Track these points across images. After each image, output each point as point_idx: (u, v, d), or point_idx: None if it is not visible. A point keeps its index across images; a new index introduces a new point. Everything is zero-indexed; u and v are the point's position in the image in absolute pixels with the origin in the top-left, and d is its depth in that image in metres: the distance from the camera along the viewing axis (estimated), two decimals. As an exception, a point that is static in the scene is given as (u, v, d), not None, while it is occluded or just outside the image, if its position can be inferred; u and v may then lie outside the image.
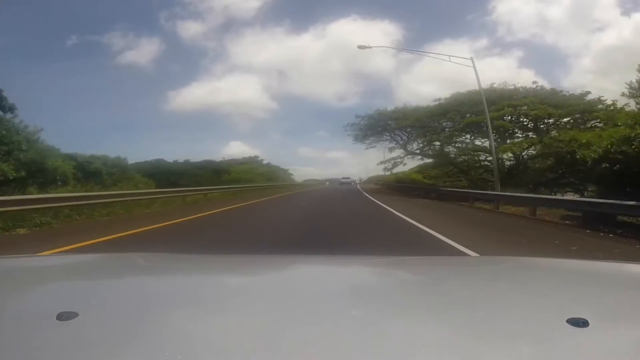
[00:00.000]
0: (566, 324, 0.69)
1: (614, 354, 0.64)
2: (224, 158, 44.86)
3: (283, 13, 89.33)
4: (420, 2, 78.25)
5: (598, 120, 20.01)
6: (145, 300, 0.93)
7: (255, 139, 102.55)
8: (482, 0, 75.89)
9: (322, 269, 1.50)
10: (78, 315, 0.71)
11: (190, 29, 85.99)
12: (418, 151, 28.35)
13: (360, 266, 1.57)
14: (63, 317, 0.70)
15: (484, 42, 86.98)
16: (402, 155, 29.55)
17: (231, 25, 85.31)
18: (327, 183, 70.10)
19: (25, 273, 1.27)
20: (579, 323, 0.68)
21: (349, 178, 69.07)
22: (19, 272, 1.29)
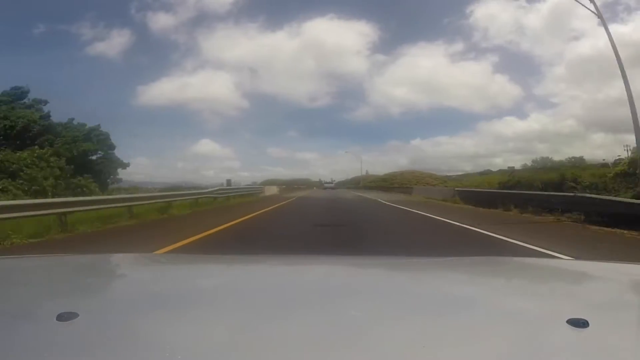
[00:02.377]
0: (566, 324, 0.69)
1: (614, 354, 0.64)
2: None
3: (258, 9, 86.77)
4: (398, 2, 77.13)
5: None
6: (145, 300, 0.93)
7: (225, 137, 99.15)
8: (460, 4, 75.41)
9: (322, 269, 1.50)
10: (78, 315, 0.71)
11: (161, 22, 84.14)
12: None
13: (361, 266, 1.57)
14: (63, 317, 0.69)
15: (459, 46, 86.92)
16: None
17: (203, 19, 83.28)
18: (276, 190, 37.05)
19: (25, 273, 1.27)
20: (579, 323, 0.68)
21: (331, 183, 64.76)
22: (19, 272, 1.29)
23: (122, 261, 1.56)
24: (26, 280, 1.16)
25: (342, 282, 1.23)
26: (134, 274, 1.38)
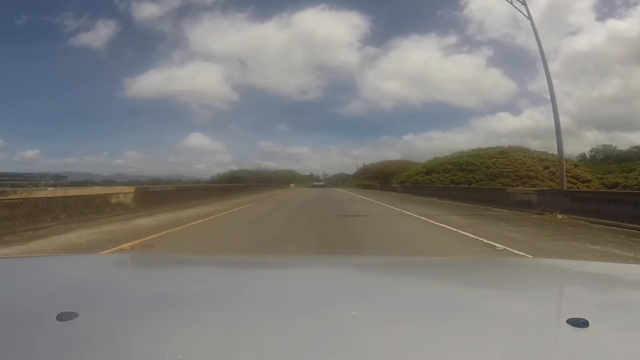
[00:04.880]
0: (566, 324, 0.69)
1: (614, 354, 0.64)
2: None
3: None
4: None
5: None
6: (145, 300, 0.93)
7: (216, 131, 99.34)
8: (455, -4, 74.75)
9: (322, 269, 1.50)
10: (78, 315, 0.71)
11: (146, 11, 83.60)
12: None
13: (360, 266, 1.57)
14: (63, 317, 0.70)
15: (452, 39, 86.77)
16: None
17: (189, 9, 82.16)
18: None
19: (25, 273, 1.27)
20: (579, 323, 0.68)
21: (321, 181, 64.96)
22: (19, 272, 1.29)
23: (122, 261, 1.57)
24: (26, 280, 1.16)
25: (342, 282, 1.23)
26: (134, 274, 1.38)
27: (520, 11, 13.40)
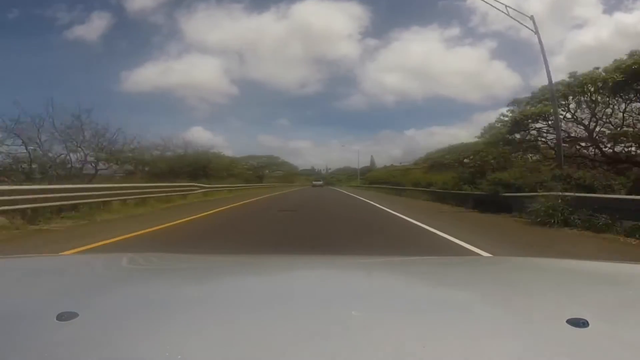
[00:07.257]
0: (566, 324, 0.69)
1: (614, 354, 0.64)
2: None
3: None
4: (391, -17, 74.79)
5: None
6: (146, 300, 0.93)
7: (216, 125, 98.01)
8: (456, -15, 73.52)
9: (322, 269, 1.50)
10: (78, 315, 0.71)
11: (138, 2, 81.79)
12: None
13: (360, 266, 1.57)
14: (63, 317, 0.70)
15: (455, 30, 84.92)
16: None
17: None
18: None
19: (25, 273, 1.27)
20: (579, 323, 0.68)
21: (320, 181, 62.09)
22: (19, 272, 1.29)
23: (122, 261, 1.57)
24: (26, 280, 1.16)
25: (342, 282, 1.23)
26: (134, 274, 1.38)
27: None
